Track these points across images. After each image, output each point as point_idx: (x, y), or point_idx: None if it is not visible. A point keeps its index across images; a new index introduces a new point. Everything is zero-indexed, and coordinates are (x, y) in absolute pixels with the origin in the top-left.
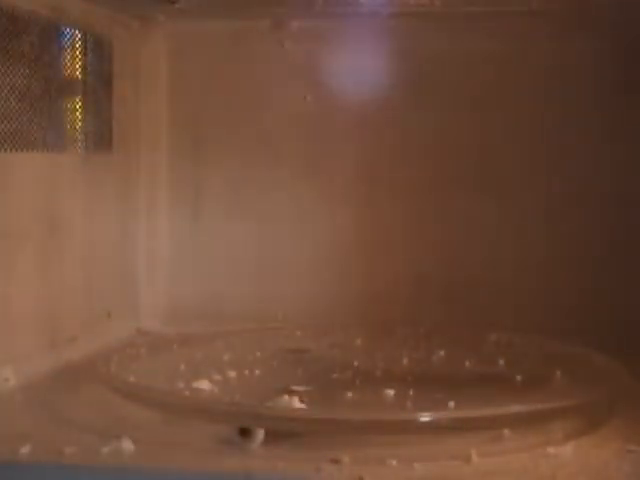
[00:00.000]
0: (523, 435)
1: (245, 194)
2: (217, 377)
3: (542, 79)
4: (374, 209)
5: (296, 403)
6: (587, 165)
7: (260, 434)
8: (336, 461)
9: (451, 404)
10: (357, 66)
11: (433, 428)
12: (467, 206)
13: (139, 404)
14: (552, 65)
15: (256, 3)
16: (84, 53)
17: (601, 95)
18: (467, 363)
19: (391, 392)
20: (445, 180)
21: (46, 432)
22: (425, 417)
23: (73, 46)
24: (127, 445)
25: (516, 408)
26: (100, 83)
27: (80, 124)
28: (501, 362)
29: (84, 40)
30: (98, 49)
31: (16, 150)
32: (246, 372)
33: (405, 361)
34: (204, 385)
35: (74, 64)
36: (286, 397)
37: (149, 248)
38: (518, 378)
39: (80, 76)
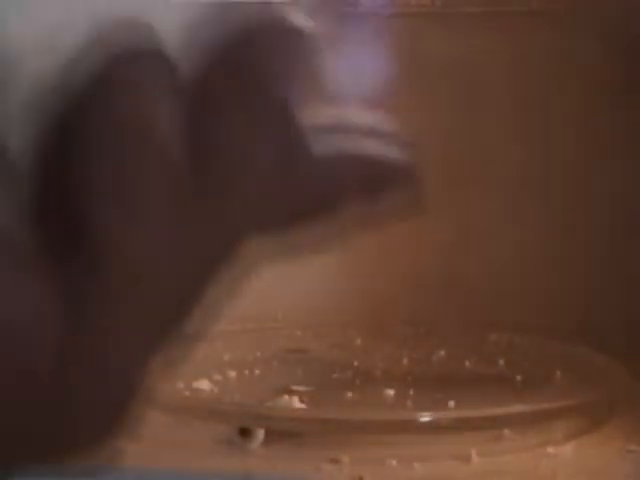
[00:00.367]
0: (523, 435)
1: None
2: (217, 377)
3: (542, 79)
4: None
5: (296, 403)
6: (587, 165)
7: (260, 434)
8: (336, 461)
9: (451, 404)
10: (357, 66)
11: (433, 428)
12: (467, 206)
13: None
14: (552, 65)
15: None
16: None
17: (601, 95)
18: (467, 363)
19: (391, 392)
20: (445, 180)
21: None
22: (425, 417)
23: None
24: (127, 445)
25: (516, 408)
26: None
27: None
28: (501, 362)
29: None
30: None
31: None
32: (246, 372)
33: (405, 361)
34: (204, 385)
35: None
36: (286, 397)
37: None
38: (518, 378)
39: None
